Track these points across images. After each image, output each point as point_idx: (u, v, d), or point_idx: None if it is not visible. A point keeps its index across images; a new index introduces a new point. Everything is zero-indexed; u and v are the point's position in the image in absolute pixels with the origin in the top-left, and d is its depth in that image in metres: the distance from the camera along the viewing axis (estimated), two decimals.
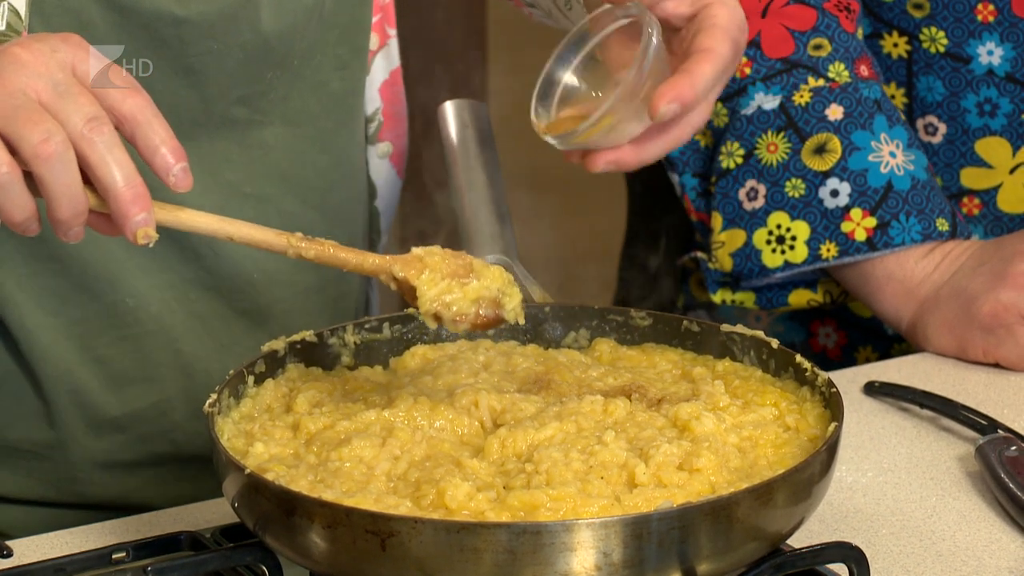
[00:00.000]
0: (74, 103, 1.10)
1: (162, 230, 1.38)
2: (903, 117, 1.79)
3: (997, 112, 1.78)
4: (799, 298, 1.81)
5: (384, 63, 1.59)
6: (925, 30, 1.80)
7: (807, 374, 1.29)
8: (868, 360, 1.91)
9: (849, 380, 1.61)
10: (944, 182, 1.82)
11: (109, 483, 1.48)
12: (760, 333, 1.33)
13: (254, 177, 1.48)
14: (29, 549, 1.29)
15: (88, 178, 1.11)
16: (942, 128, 1.80)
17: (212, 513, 1.35)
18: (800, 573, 1.21)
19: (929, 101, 1.80)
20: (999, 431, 1.46)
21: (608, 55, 1.34)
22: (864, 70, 1.77)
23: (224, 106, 1.44)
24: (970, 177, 1.82)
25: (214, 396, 1.21)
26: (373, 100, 1.59)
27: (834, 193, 1.73)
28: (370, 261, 1.20)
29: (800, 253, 1.74)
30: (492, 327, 1.22)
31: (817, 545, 1.20)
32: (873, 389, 1.58)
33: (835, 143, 1.73)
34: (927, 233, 1.72)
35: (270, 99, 1.47)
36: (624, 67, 1.30)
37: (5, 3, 1.32)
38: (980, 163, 1.81)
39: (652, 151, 1.32)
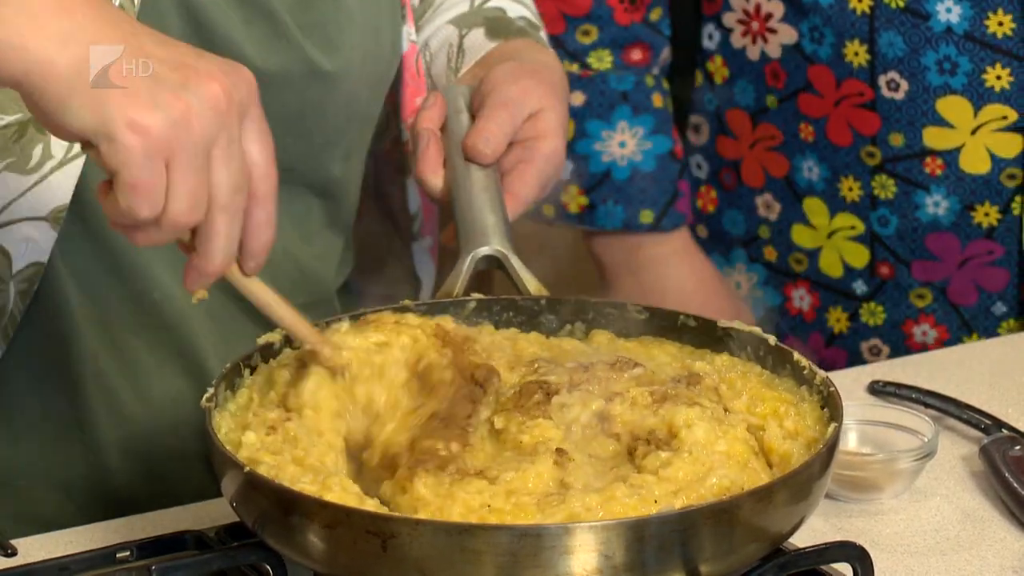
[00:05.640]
0: (234, 166, 1.10)
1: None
2: (661, 102, 1.92)
3: (957, 71, 1.79)
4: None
5: None
6: None
7: (805, 372, 1.28)
8: (839, 321, 1.95)
9: (853, 379, 1.61)
10: (907, 141, 1.83)
11: (129, 471, 1.49)
12: (757, 330, 1.32)
13: None
14: (33, 548, 1.29)
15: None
16: (904, 85, 1.81)
17: (216, 512, 1.35)
18: (804, 573, 1.21)
19: (891, 57, 1.81)
20: (1003, 431, 1.46)
21: None
22: (636, 55, 1.91)
23: None
24: (932, 137, 1.82)
25: (211, 391, 1.20)
26: (415, 199, 1.64)
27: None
28: None
29: None
30: None
31: (821, 545, 1.20)
32: (877, 388, 1.58)
33: (570, 125, 1.86)
34: (627, 222, 1.91)
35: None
36: None
37: None
38: (942, 123, 1.81)
39: None
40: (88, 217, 1.39)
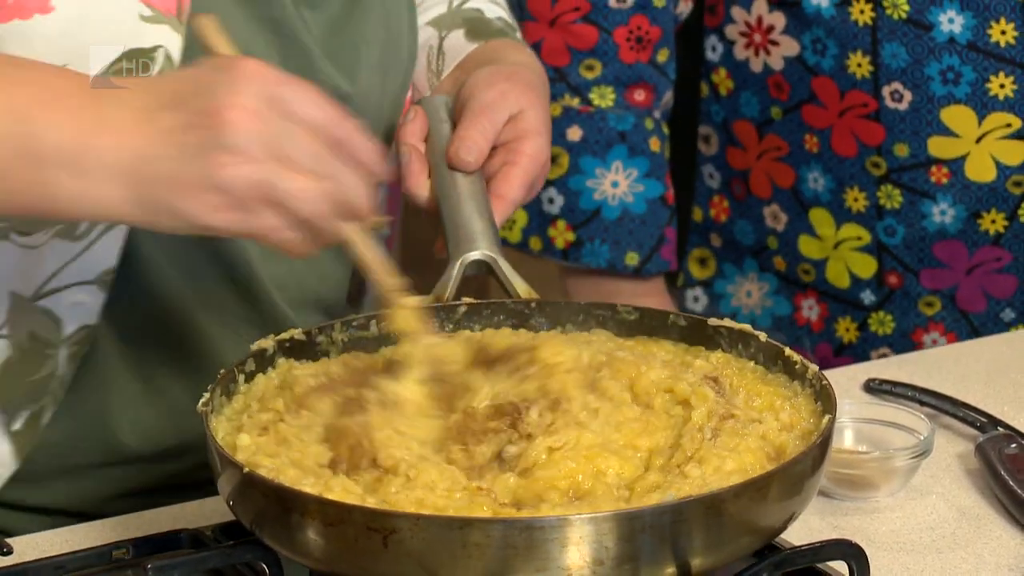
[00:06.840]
0: (303, 144, 1.14)
1: (231, 287, 1.44)
2: (658, 147, 1.92)
3: (960, 80, 1.79)
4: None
5: None
6: None
7: (797, 367, 1.28)
8: (848, 331, 1.95)
9: (849, 378, 1.61)
10: (912, 151, 1.83)
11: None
12: (748, 327, 1.32)
13: None
14: (29, 547, 1.30)
15: None
16: (907, 95, 1.81)
17: (212, 511, 1.35)
18: (800, 571, 1.21)
19: (894, 68, 1.81)
20: (999, 429, 1.46)
21: None
22: (639, 95, 1.92)
23: None
24: (937, 146, 1.83)
25: (207, 395, 1.21)
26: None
27: (551, 200, 1.92)
28: None
29: (515, 236, 1.94)
30: None
31: (817, 543, 1.20)
32: (873, 387, 1.58)
33: (564, 159, 1.91)
34: (612, 262, 1.90)
35: None
36: None
37: (162, 48, 1.31)
38: (946, 132, 1.82)
39: None
40: (133, 275, 1.38)
